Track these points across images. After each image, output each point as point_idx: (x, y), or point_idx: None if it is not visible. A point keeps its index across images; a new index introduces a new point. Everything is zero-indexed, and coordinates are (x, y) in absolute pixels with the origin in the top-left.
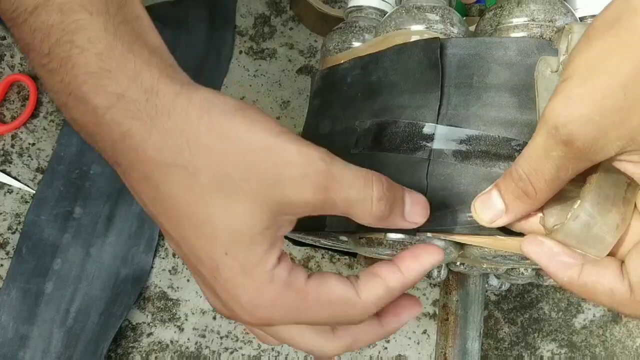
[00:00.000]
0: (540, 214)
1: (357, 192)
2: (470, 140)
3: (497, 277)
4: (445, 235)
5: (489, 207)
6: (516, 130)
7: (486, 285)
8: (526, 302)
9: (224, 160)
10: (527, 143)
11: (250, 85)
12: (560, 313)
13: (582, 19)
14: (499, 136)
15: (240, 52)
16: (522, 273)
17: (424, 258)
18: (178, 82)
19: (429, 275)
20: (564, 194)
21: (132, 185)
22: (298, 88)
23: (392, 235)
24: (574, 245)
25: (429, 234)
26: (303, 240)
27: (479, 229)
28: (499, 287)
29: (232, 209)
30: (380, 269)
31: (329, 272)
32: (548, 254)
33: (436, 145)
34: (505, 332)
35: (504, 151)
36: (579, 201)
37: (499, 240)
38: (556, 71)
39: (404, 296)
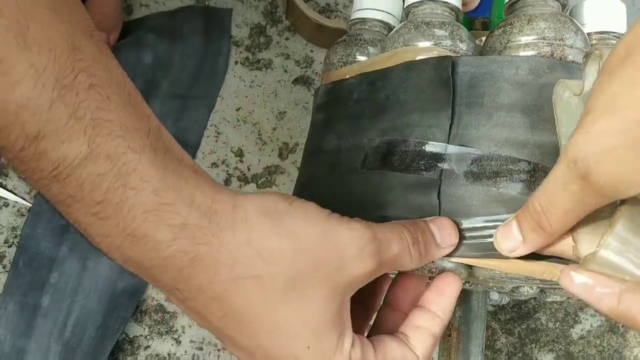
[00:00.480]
0: (569, 238)
1: (398, 247)
2: (482, 161)
3: (499, 292)
4: (456, 257)
5: (509, 238)
6: (528, 152)
7: (487, 300)
8: (523, 313)
9: (295, 261)
10: (538, 164)
11: (246, 96)
12: (558, 323)
13: (588, 34)
14: (510, 157)
15: (236, 62)
16: (527, 291)
17: (449, 292)
18: (228, 195)
19: None
20: (596, 214)
21: (198, 308)
22: (294, 99)
23: None
24: (609, 273)
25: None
26: None
27: (490, 253)
28: (500, 301)
29: (308, 304)
30: (421, 320)
31: (385, 336)
32: (583, 287)
33: (447, 165)
34: (502, 342)
35: (516, 173)
36: (609, 228)
37: (511, 264)
38: (579, 95)
39: (439, 280)
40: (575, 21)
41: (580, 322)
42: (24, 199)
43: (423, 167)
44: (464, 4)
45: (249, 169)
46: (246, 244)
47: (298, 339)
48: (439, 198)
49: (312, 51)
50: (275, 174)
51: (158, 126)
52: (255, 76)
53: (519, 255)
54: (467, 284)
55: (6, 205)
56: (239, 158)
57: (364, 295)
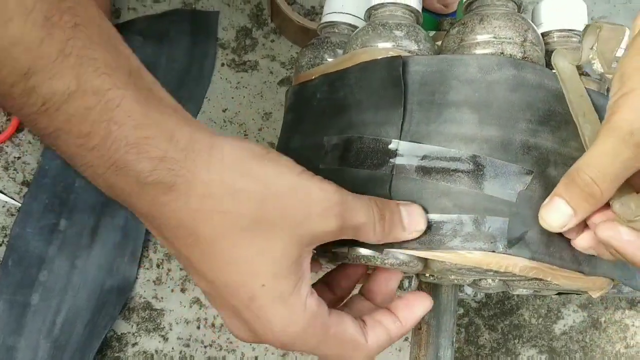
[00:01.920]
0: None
1: (364, 217)
2: (432, 156)
3: (467, 285)
4: (409, 250)
5: (559, 214)
6: (476, 146)
7: (460, 294)
8: (506, 309)
9: (262, 204)
10: (486, 158)
11: (233, 97)
12: (540, 319)
13: (545, 34)
14: (458, 152)
15: (223, 64)
16: (490, 283)
17: (417, 307)
18: (207, 135)
19: (400, 286)
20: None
21: (168, 235)
22: (280, 99)
23: (358, 250)
24: None
25: (392, 249)
26: None
27: (436, 245)
28: (474, 295)
29: (270, 247)
30: (383, 318)
31: (345, 312)
32: (623, 239)
33: (399, 160)
34: (486, 338)
35: (464, 166)
36: None
37: (458, 255)
38: (577, 64)
39: (414, 294)
40: (528, 20)
41: (563, 318)
42: (13, 198)
43: (376, 163)
44: (445, 5)
45: None
46: (219, 182)
47: (255, 277)
48: (390, 192)
49: (297, 53)
50: None
51: (139, 66)
52: (242, 78)
53: (569, 228)
54: (432, 277)
55: None
56: None
57: (337, 280)
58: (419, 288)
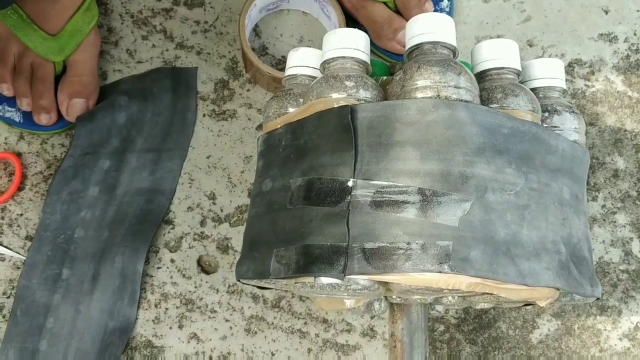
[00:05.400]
0: None
1: None
2: (383, 191)
3: (437, 304)
4: (367, 275)
5: None
6: (420, 179)
7: (433, 312)
8: (484, 323)
9: None
10: (429, 190)
11: (215, 145)
12: (517, 330)
13: (487, 71)
14: (405, 185)
15: (204, 115)
16: (450, 300)
17: None
18: None
19: (372, 309)
20: None
21: None
22: None
23: (323, 280)
24: None
25: (353, 275)
26: (264, 286)
27: (389, 269)
28: (445, 312)
29: None
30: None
31: None
32: None
33: (354, 197)
34: (467, 352)
35: (411, 198)
36: None
37: (409, 277)
38: None
39: None
40: (461, 64)
41: (539, 327)
42: (18, 253)
43: (334, 200)
44: (404, 46)
45: (221, 210)
46: None
47: None
48: (347, 225)
49: (267, 101)
50: (245, 212)
51: None
52: (222, 126)
53: None
54: (399, 299)
55: (2, 259)
56: (212, 201)
57: None
58: (393, 309)
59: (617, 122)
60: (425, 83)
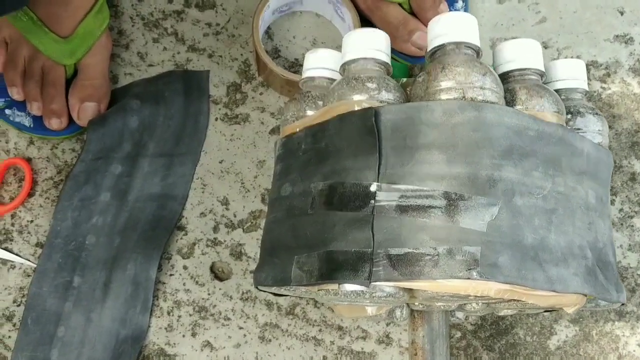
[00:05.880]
0: None
1: None
2: (408, 195)
3: (459, 310)
4: (393, 282)
5: None
6: (446, 183)
7: (453, 318)
8: (502, 329)
9: None
10: (456, 194)
11: (228, 149)
12: (535, 336)
13: (505, 73)
14: (431, 189)
15: (216, 119)
16: (474, 307)
17: None
18: None
19: (393, 316)
20: None
21: None
22: (272, 147)
23: (347, 287)
24: None
25: (379, 282)
26: (282, 293)
27: (416, 276)
28: (465, 319)
29: None
30: None
31: None
32: None
33: (378, 201)
34: (484, 359)
35: (437, 202)
36: None
37: (437, 284)
38: None
39: None
40: (486, 65)
41: (556, 334)
42: (28, 260)
43: (358, 205)
44: (420, 48)
45: (235, 216)
46: None
47: None
48: (372, 231)
49: (285, 103)
50: (259, 218)
51: None
52: (235, 130)
53: None
54: (421, 305)
55: (13, 267)
56: (225, 206)
57: None
58: (414, 317)
59: (633, 125)
60: (450, 84)
